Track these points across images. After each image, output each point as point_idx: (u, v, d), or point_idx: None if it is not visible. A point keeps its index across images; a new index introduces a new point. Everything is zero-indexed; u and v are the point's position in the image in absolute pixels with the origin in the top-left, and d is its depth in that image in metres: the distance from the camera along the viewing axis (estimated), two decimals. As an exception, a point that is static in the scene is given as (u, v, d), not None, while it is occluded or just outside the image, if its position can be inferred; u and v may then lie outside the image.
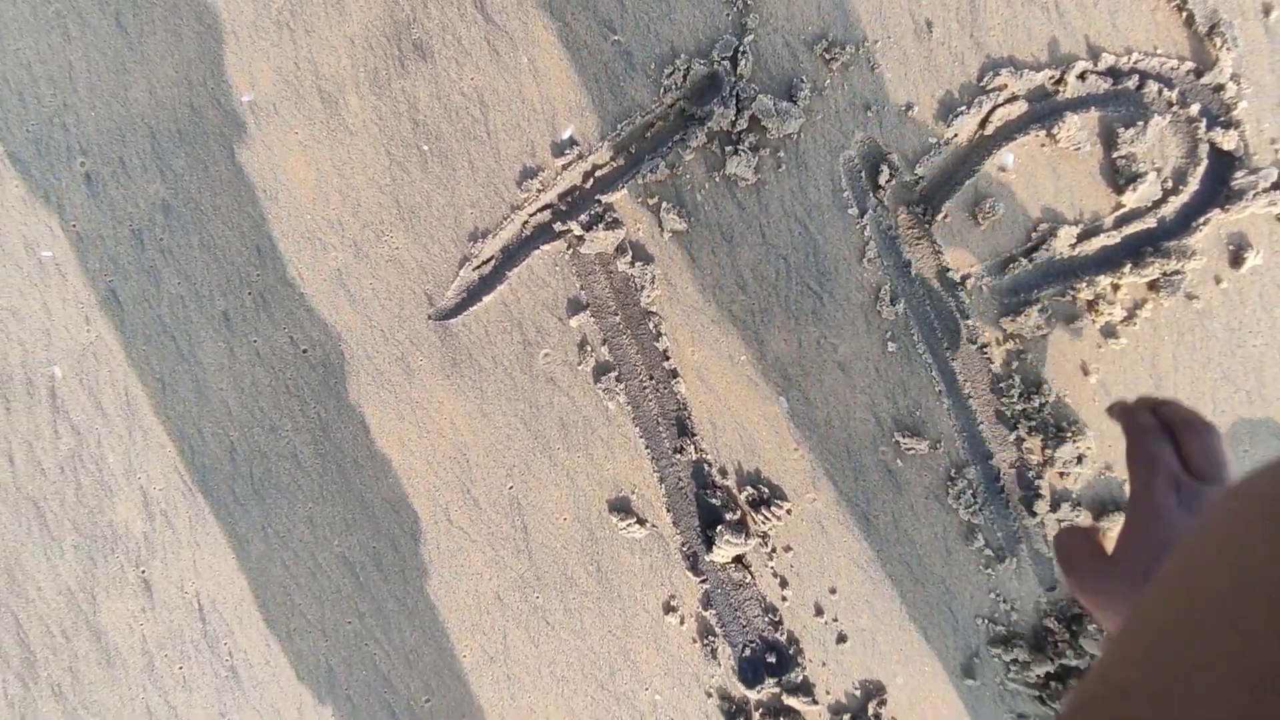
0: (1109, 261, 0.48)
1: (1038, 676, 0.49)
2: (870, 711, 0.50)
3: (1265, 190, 0.46)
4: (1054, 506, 0.49)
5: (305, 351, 0.55)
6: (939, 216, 0.49)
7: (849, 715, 0.51)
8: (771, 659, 0.51)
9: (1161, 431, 0.34)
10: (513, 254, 0.52)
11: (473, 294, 0.53)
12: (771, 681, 0.51)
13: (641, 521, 0.52)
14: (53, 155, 0.56)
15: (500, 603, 0.54)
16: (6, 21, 0.55)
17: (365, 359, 0.54)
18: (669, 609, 0.52)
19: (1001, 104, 0.48)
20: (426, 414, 0.54)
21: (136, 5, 0.55)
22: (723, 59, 0.49)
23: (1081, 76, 0.47)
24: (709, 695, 0.52)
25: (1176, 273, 0.47)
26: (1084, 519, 0.49)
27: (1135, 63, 0.47)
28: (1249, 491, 0.16)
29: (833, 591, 0.51)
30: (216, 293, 0.55)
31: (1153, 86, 0.47)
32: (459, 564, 0.54)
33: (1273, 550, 0.13)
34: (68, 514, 0.58)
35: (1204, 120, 0.47)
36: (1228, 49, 0.46)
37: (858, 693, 0.51)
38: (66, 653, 0.59)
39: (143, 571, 0.58)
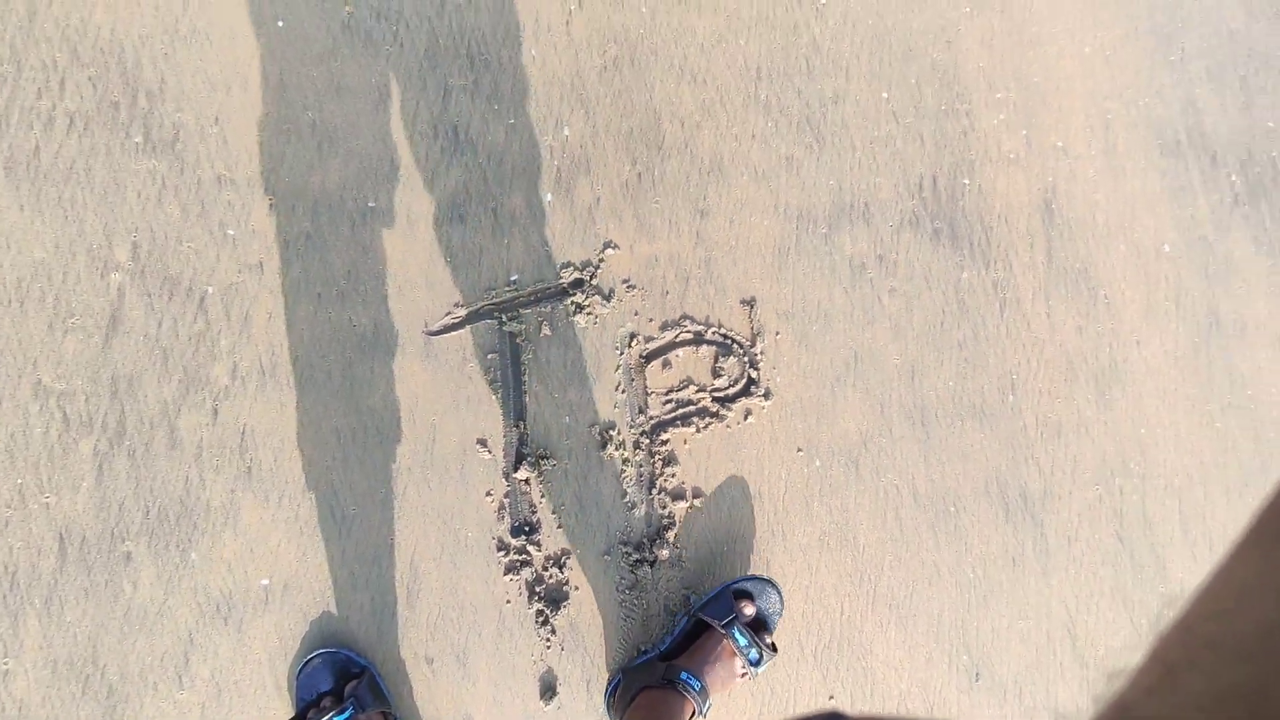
0: (706, 409, 1.21)
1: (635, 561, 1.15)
2: (557, 560, 1.13)
3: (759, 396, 1.23)
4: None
5: (353, 326, 1.12)
6: (648, 365, 1.20)
7: (554, 563, 1.13)
8: (526, 528, 1.13)
9: None
10: (472, 317, 1.15)
11: (446, 329, 1.14)
12: (522, 539, 1.12)
13: (490, 451, 1.13)
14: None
15: (402, 474, 1.11)
16: None
17: (389, 334, 1.12)
18: (488, 494, 1.13)
19: (684, 332, 1.22)
20: (402, 366, 1.12)
21: None
22: (588, 274, 1.19)
23: (713, 332, 1.23)
24: (492, 538, 1.12)
25: (724, 414, 1.21)
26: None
27: (729, 332, 1.23)
28: None
29: (563, 504, 1.15)
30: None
31: (734, 344, 1.23)
32: (388, 433, 1.11)
33: None
34: (181, 360, 1.07)
35: (749, 362, 1.23)
36: (760, 340, 1.24)
37: (561, 551, 1.14)
38: (148, 435, 1.05)
39: (216, 406, 1.07)
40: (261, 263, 1.10)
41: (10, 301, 1.03)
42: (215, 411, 1.07)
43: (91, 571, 1.01)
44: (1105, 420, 1.35)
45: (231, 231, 1.10)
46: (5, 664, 0.98)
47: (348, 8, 1.16)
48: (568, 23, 1.25)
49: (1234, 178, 1.50)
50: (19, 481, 1.01)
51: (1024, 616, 1.26)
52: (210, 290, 1.09)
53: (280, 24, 1.14)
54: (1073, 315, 1.37)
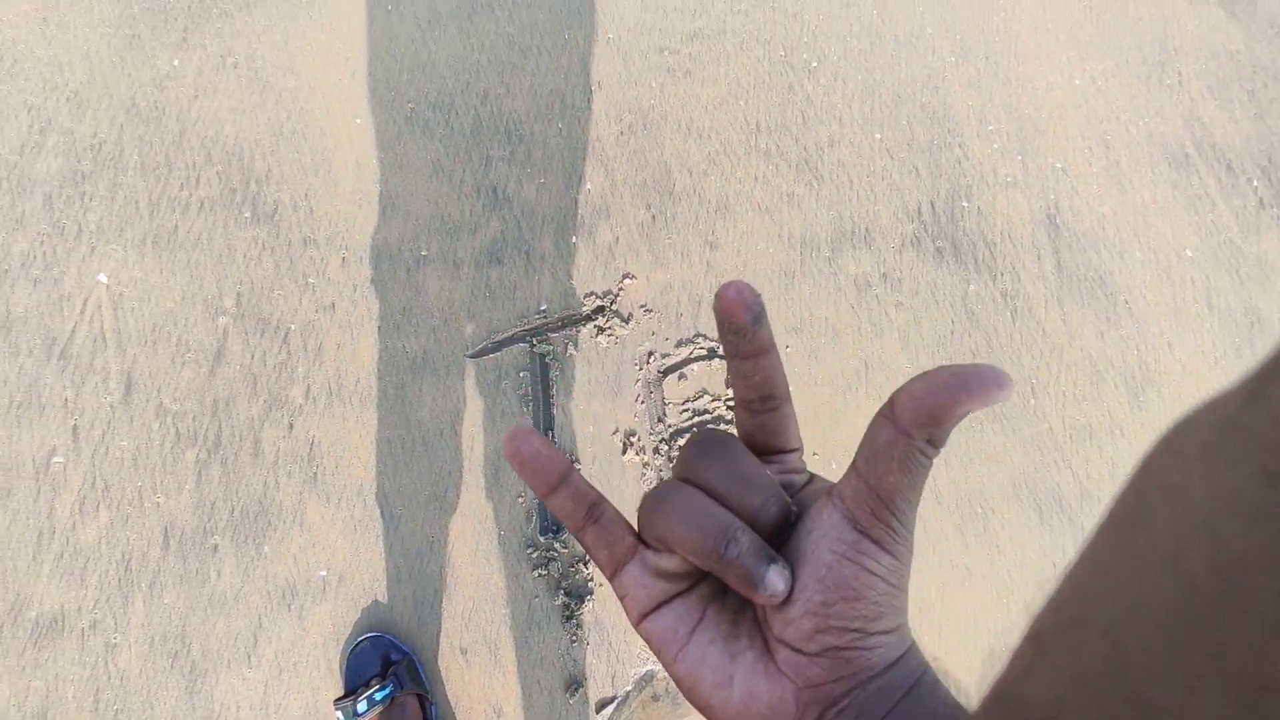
0: (721, 416, 1.30)
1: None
2: (583, 559, 1.21)
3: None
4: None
5: (405, 353, 1.30)
6: (665, 378, 1.31)
7: (580, 560, 1.21)
8: (553, 529, 1.22)
9: None
10: (507, 341, 1.32)
11: (484, 353, 1.31)
12: (550, 537, 1.22)
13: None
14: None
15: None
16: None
17: (436, 358, 1.30)
18: (519, 497, 1.24)
19: (698, 349, 1.33)
20: (446, 386, 1.28)
21: (395, 207, 1.39)
22: (609, 301, 1.34)
23: (716, 346, 1.33)
24: (523, 538, 1.22)
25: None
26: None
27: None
28: (1185, 434, 0.15)
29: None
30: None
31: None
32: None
33: (1208, 490, 0.13)
34: (267, 384, 1.28)
35: (759, 374, 1.32)
36: (770, 354, 1.33)
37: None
38: (237, 446, 1.25)
39: (292, 422, 1.26)
40: (334, 304, 1.33)
41: (146, 342, 1.29)
42: (291, 426, 1.26)
43: (186, 560, 1.19)
44: (1141, 421, 1.32)
45: (312, 280, 1.34)
46: (115, 638, 1.14)
47: (410, 104, 1.45)
48: (589, 101, 1.48)
49: (1255, 183, 1.50)
50: (139, 485, 1.22)
51: (1069, 623, 1.20)
52: (293, 327, 1.31)
53: (358, 120, 1.43)
54: (1091, 320, 1.38)
